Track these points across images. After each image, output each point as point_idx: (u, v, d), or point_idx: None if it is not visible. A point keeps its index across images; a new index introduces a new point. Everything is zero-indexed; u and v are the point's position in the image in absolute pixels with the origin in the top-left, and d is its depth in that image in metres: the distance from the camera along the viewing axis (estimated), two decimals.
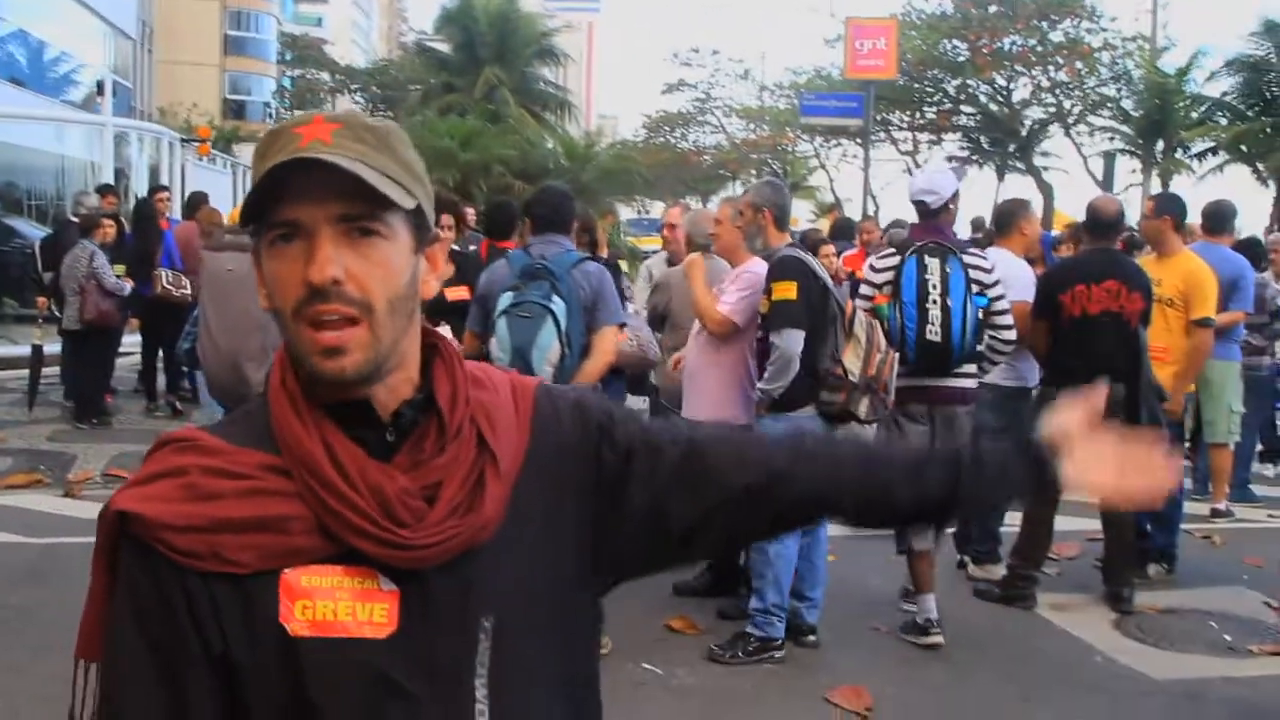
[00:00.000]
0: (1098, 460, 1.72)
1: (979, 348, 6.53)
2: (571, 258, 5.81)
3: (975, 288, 6.43)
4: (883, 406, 6.11)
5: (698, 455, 1.69)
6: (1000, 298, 6.61)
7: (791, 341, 5.96)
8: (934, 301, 6.31)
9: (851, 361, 5.99)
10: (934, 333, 6.31)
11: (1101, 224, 7.29)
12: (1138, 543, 7.54)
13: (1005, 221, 7.89)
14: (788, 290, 6.01)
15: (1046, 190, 45.24)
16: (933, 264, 6.38)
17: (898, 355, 6.20)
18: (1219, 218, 8.76)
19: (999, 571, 7.48)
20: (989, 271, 6.58)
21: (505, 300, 5.56)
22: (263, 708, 1.46)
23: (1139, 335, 6.99)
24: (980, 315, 6.45)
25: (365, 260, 1.45)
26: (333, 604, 1.45)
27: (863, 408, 6.04)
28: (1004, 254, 7.63)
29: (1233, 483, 9.63)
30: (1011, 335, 6.72)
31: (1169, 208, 7.89)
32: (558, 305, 5.54)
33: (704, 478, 1.68)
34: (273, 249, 1.47)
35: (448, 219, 6.90)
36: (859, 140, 47.35)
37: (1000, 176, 48.48)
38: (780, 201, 6.54)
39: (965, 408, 6.63)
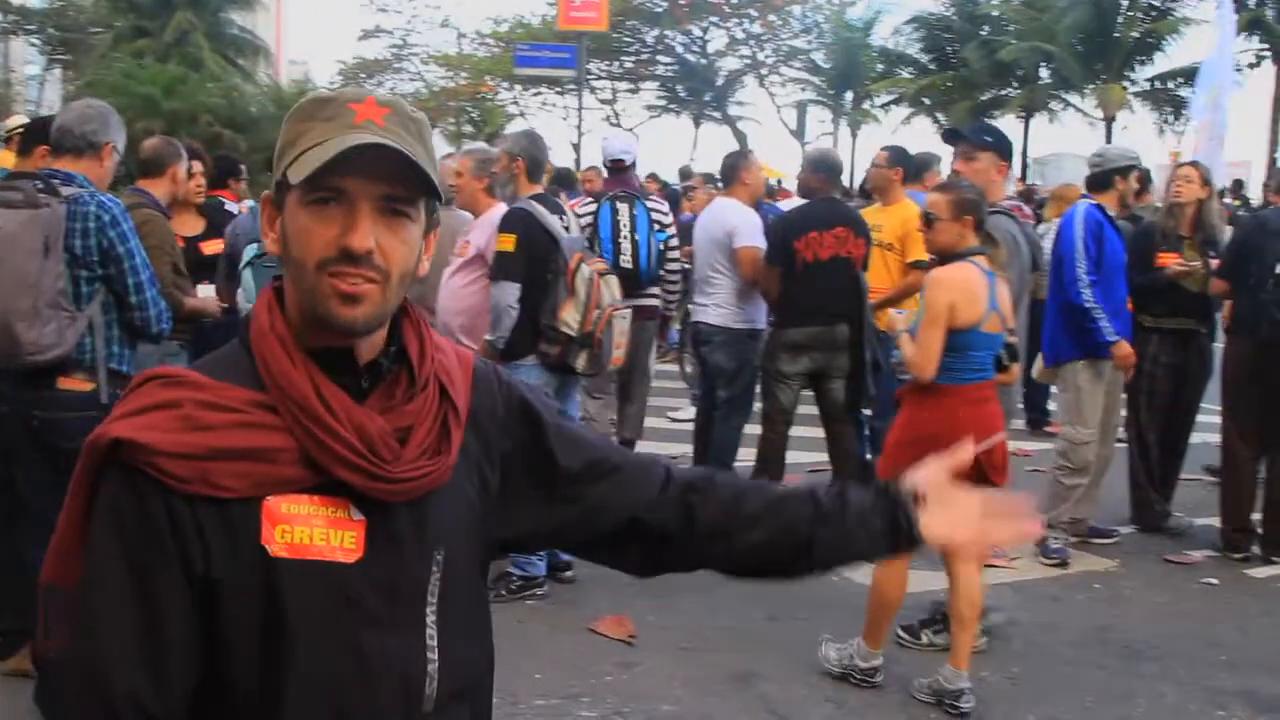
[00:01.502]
0: (960, 516, 1.86)
1: (660, 273, 8.43)
2: None
3: (656, 226, 8.30)
4: (598, 362, 6.40)
5: (600, 472, 1.90)
6: (674, 235, 8.57)
7: (504, 293, 6.19)
8: (625, 237, 8.11)
9: (570, 316, 6.27)
10: (626, 261, 8.06)
11: (829, 174, 7.79)
12: (862, 471, 8.06)
13: (729, 174, 8.29)
14: (506, 243, 6.25)
15: (741, 139, 46.58)
16: (623, 209, 8.22)
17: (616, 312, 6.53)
18: (917, 167, 9.31)
19: None
20: (666, 214, 8.53)
21: (251, 251, 5.55)
22: (238, 624, 1.60)
23: (861, 279, 7.49)
24: (661, 247, 8.31)
25: (394, 237, 1.63)
26: (309, 529, 1.61)
27: (580, 361, 6.35)
28: (732, 203, 8.07)
29: None
30: (676, 265, 8.60)
31: (901, 160, 8.42)
32: None
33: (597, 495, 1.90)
34: (310, 207, 1.61)
35: (198, 166, 6.74)
36: (559, 89, 47.67)
37: (697, 125, 49.67)
38: (533, 152, 6.68)
39: (653, 322, 8.59)
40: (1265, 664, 5.90)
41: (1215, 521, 7.77)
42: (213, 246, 6.52)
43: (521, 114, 52.75)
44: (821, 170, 7.82)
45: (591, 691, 5.28)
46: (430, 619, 1.71)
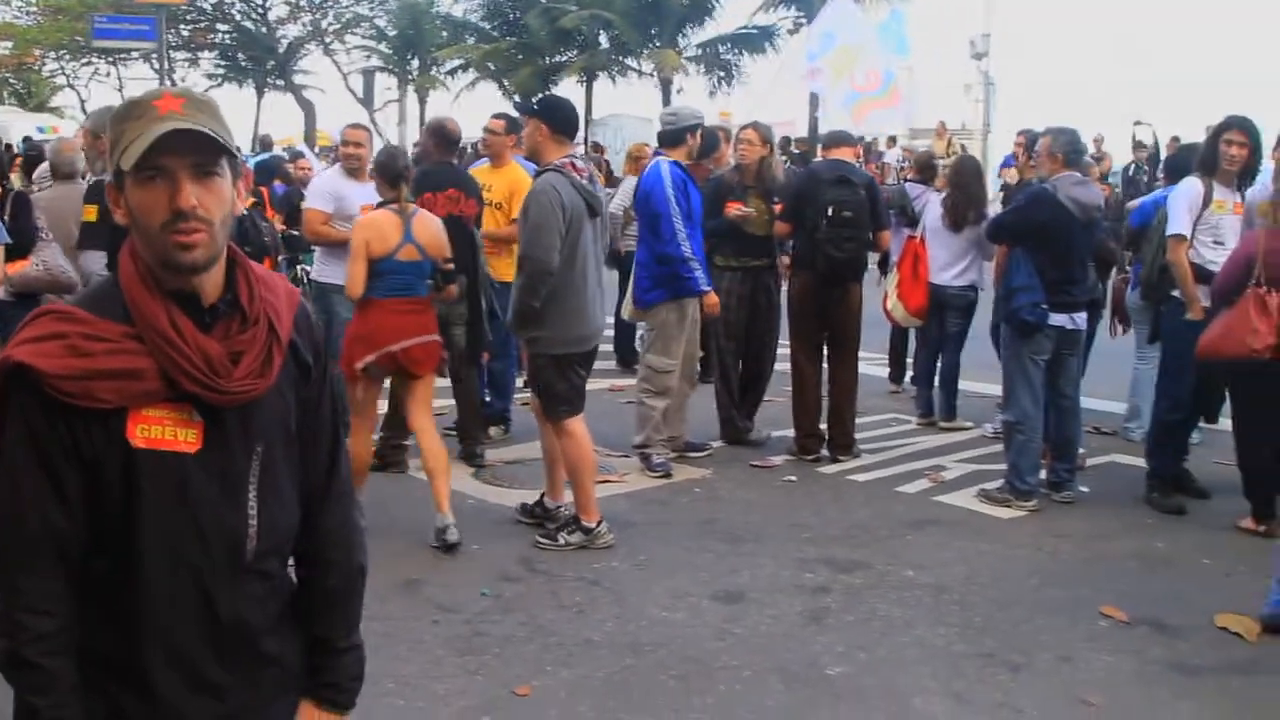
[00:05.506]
0: None
1: None
2: None
3: None
4: None
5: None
6: None
7: (89, 261, 6.70)
8: None
9: None
10: None
11: (445, 141, 8.55)
12: (481, 410, 8.86)
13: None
14: (89, 213, 6.81)
15: (308, 108, 46.21)
16: None
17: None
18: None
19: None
20: None
21: None
22: (111, 494, 2.17)
23: (475, 234, 8.25)
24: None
25: (209, 192, 2.15)
26: (161, 428, 2.17)
27: None
28: (325, 171, 8.89)
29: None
30: None
31: (513, 129, 9.19)
32: None
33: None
34: (143, 185, 2.14)
35: None
36: (111, 60, 45.88)
37: (260, 95, 48.80)
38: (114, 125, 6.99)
39: None
40: (838, 538, 7.13)
41: (791, 432, 9.04)
42: None
43: (70, 85, 50.59)
44: (436, 137, 8.60)
45: None
46: (251, 496, 2.27)
